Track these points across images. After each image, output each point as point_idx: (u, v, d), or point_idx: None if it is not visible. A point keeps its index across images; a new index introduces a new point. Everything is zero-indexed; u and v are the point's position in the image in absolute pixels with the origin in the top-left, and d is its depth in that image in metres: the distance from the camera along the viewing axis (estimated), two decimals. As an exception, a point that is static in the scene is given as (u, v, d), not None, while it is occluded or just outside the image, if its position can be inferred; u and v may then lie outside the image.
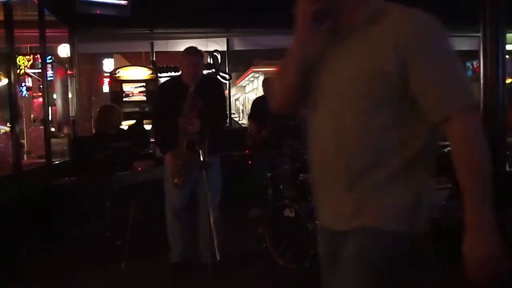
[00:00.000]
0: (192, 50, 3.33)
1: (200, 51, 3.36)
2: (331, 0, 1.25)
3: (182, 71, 3.38)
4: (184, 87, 3.17)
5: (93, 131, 5.33)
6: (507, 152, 3.34)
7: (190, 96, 3.08)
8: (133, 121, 5.63)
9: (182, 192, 3.28)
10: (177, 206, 3.37)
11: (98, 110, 4.59)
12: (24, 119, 7.50)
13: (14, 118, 4.25)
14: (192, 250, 3.44)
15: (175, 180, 3.21)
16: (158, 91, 3.54)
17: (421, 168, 1.23)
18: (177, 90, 3.22)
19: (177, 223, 3.39)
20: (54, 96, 6.63)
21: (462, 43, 7.94)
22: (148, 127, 5.58)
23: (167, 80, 3.70)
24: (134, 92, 6.46)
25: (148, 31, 6.69)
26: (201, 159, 2.88)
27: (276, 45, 7.67)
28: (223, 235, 3.29)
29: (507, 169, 3.81)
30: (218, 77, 6.68)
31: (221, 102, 3.56)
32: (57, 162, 5.47)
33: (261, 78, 23.91)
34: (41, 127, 6.06)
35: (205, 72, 6.10)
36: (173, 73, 6.54)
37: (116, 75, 6.53)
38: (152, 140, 4.94)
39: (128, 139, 4.26)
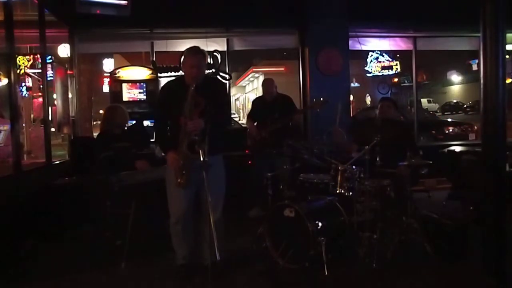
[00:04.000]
0: (194, 50, 3.28)
1: (202, 51, 3.31)
2: None
3: (184, 71, 3.35)
4: (186, 87, 3.14)
5: (96, 131, 5.35)
6: (507, 152, 3.33)
7: (192, 96, 3.07)
8: (133, 121, 5.63)
9: (186, 194, 3.22)
10: (182, 209, 3.28)
11: (104, 110, 4.62)
12: (24, 119, 7.51)
13: (14, 118, 4.24)
14: (195, 252, 3.40)
15: (179, 180, 3.15)
16: (161, 90, 3.51)
17: None
18: (180, 90, 3.20)
19: (179, 227, 3.33)
20: (54, 96, 6.63)
21: (462, 43, 7.95)
22: (147, 123, 5.59)
23: (170, 80, 3.66)
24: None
25: (148, 31, 6.68)
26: (201, 159, 2.87)
27: (276, 45, 7.67)
28: (223, 235, 3.29)
29: (507, 169, 3.81)
30: (218, 77, 6.68)
31: (224, 101, 3.50)
32: (57, 162, 5.47)
33: (261, 78, 23.96)
34: (41, 127, 6.06)
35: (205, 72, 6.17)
36: (173, 73, 6.54)
37: (116, 75, 6.52)
38: (152, 140, 4.95)
39: (129, 139, 4.26)
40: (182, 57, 3.38)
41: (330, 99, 5.01)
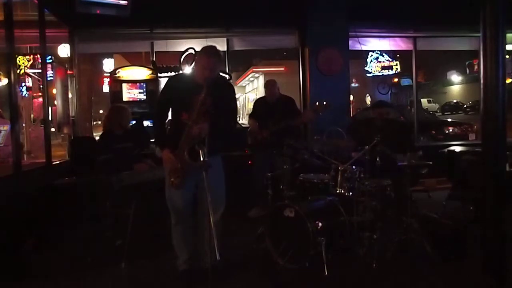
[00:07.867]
0: (209, 52, 3.13)
1: (218, 53, 3.16)
2: None
3: (196, 70, 3.23)
4: (196, 85, 3.06)
5: (96, 131, 5.35)
6: (507, 152, 3.33)
7: (201, 96, 2.97)
8: (133, 121, 5.63)
9: (184, 194, 3.20)
10: (179, 209, 3.26)
11: (108, 110, 4.60)
12: (24, 119, 7.51)
13: (14, 118, 4.25)
14: (196, 255, 3.36)
15: (172, 179, 3.12)
16: (166, 84, 3.37)
17: None
18: (188, 87, 3.12)
19: (179, 230, 3.31)
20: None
21: (462, 43, 7.95)
22: (147, 123, 5.59)
23: (177, 75, 3.54)
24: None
25: (148, 31, 6.69)
26: (201, 159, 2.85)
27: (276, 45, 7.68)
28: (223, 235, 3.28)
29: (507, 169, 3.81)
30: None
31: (230, 107, 3.35)
32: (57, 162, 5.47)
33: (261, 78, 23.98)
34: (41, 127, 6.07)
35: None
36: (173, 73, 6.54)
37: (116, 75, 6.52)
38: (152, 140, 4.95)
39: (132, 139, 4.27)
40: (197, 55, 3.21)
41: (331, 100, 5.01)
